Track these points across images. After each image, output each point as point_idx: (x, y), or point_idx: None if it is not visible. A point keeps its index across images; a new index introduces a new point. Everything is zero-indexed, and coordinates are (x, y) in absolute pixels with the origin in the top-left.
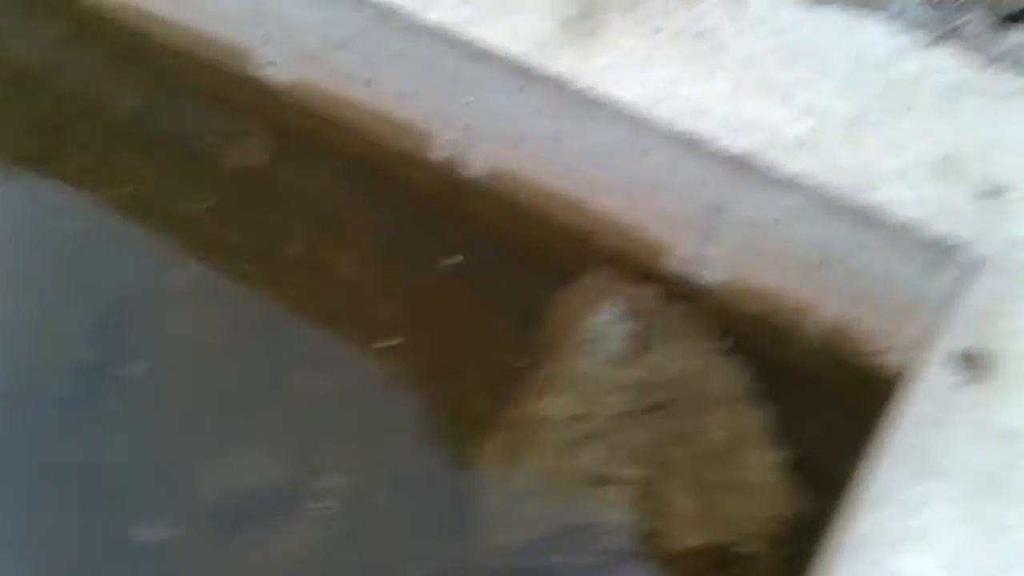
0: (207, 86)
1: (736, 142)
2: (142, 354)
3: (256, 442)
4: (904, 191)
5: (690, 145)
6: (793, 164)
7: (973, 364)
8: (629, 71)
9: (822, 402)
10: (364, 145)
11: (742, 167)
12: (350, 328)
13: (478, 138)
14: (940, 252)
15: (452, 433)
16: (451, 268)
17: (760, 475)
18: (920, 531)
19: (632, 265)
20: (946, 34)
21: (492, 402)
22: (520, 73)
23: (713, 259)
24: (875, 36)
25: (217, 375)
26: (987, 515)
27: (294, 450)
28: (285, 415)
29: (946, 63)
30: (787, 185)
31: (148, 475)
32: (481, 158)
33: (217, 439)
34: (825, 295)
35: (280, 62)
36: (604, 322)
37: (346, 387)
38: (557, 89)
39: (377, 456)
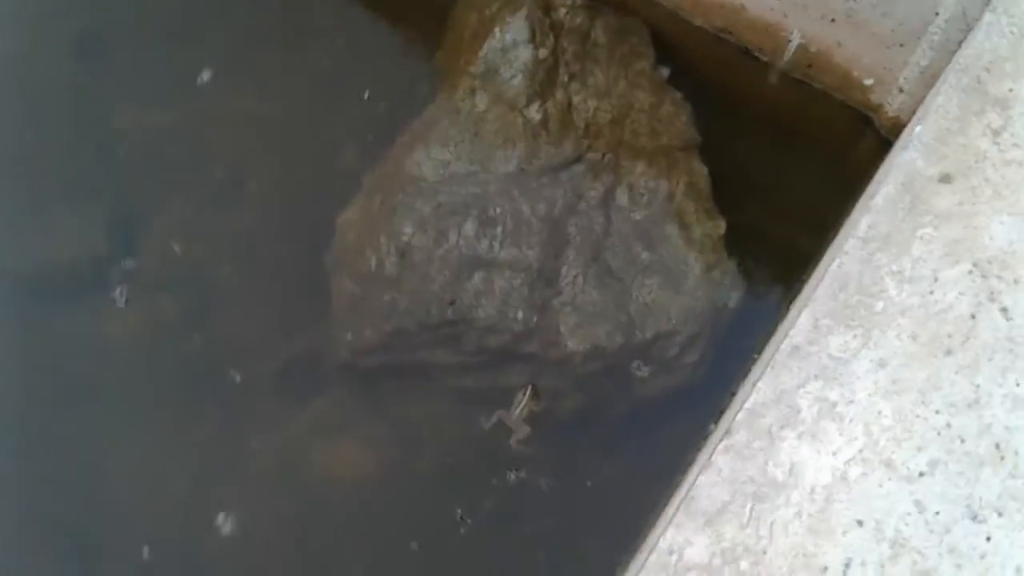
0: None
1: None
2: None
3: (76, 202)
4: None
5: None
6: None
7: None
8: None
9: (789, 154)
10: None
11: None
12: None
13: None
14: None
15: (306, 195)
16: None
17: (687, 260)
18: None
19: None
20: None
21: (359, 155)
22: None
23: None
24: None
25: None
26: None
27: (119, 209)
28: (111, 168)
29: None
30: None
31: None
32: None
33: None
34: (801, 12)
35: None
36: (506, 45)
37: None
38: None
39: (219, 224)
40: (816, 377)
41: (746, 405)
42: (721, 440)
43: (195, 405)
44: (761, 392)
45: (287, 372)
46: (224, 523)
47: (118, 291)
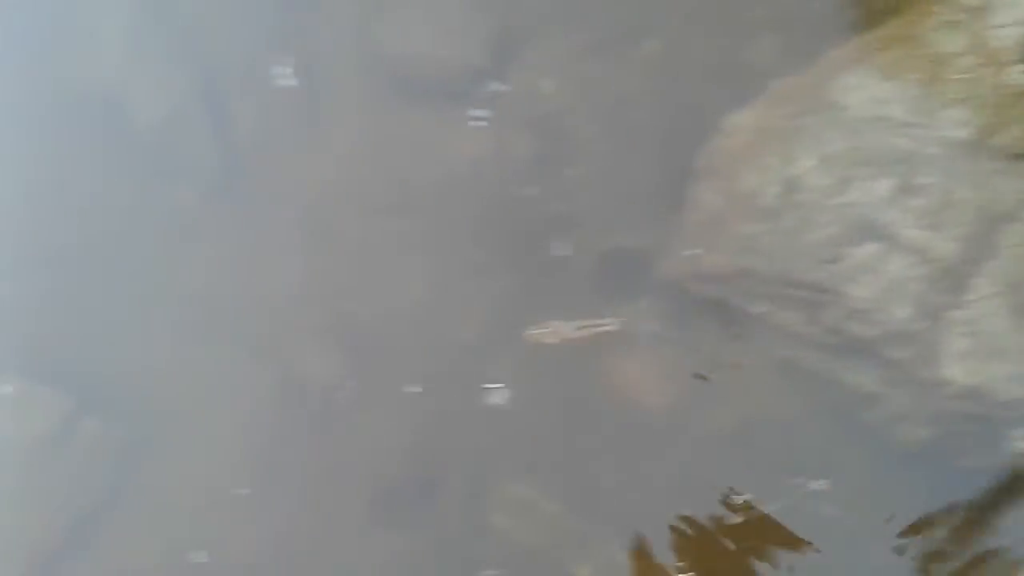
0: None
1: None
2: None
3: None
4: None
5: None
6: None
7: None
8: None
9: None
10: None
11: None
12: None
13: None
14: None
15: (702, 76)
16: None
17: None
18: None
19: None
20: None
21: (776, 53)
22: None
23: None
24: None
25: None
26: None
27: (506, 26)
28: None
29: None
30: None
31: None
32: None
33: None
34: None
35: None
36: None
37: None
38: None
39: (600, 76)
40: None
41: None
42: None
43: (500, 256)
44: None
45: (607, 262)
46: (492, 391)
47: (479, 111)
